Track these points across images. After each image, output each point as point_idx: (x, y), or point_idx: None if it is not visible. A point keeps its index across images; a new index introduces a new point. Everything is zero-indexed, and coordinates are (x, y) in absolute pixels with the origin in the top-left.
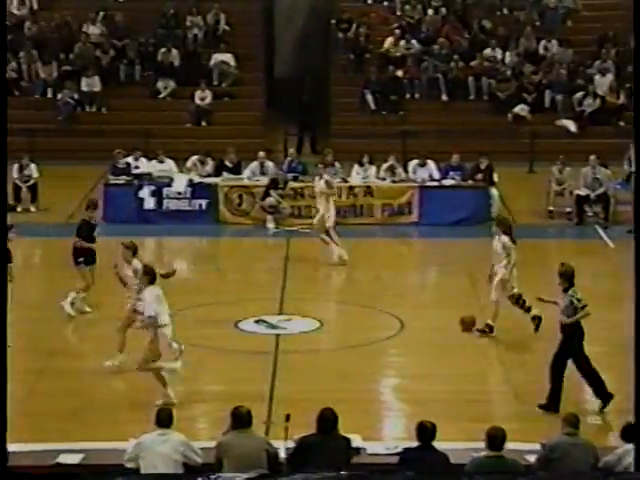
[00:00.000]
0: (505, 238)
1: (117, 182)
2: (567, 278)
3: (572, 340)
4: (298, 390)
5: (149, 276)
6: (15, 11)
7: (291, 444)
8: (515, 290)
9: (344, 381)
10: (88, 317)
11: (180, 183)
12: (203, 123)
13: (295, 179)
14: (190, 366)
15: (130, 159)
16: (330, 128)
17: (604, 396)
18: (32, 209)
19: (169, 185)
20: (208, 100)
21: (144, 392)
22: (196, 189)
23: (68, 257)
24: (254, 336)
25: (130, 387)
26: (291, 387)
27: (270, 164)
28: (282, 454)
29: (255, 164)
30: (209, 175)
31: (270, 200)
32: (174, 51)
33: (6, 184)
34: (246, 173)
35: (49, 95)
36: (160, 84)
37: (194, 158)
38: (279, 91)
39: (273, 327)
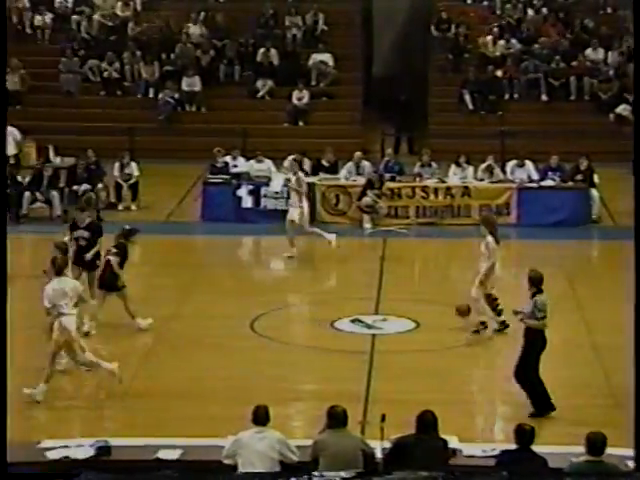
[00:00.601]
0: (489, 238)
1: (215, 181)
2: (534, 284)
3: (533, 346)
4: (394, 390)
5: (54, 268)
6: (119, 12)
7: (387, 444)
8: (493, 291)
9: (440, 382)
10: None
11: (277, 182)
12: (300, 123)
13: (392, 179)
14: (287, 365)
15: (228, 158)
16: (428, 128)
17: (541, 408)
18: (132, 207)
19: (267, 184)
20: (306, 100)
21: (242, 390)
22: None
23: (167, 255)
24: (350, 336)
25: (227, 385)
26: (387, 387)
27: (367, 164)
28: (378, 454)
29: (352, 164)
30: (306, 174)
31: (367, 200)
32: (273, 51)
33: (6, 184)
34: (343, 173)
35: (150, 95)
36: (259, 84)
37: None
38: (377, 91)
39: (369, 327)
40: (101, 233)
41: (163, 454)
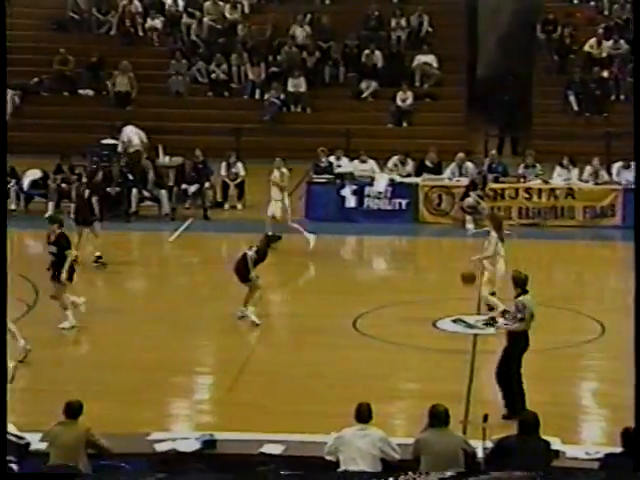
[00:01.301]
0: (494, 234)
1: (320, 181)
2: (518, 285)
3: (514, 347)
4: (496, 391)
5: None
6: (227, 15)
7: (489, 444)
8: (495, 289)
9: (542, 383)
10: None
11: (381, 183)
12: (404, 124)
13: (495, 180)
14: (389, 363)
15: (332, 158)
16: (532, 129)
17: (513, 410)
18: (238, 206)
19: (370, 184)
20: (409, 101)
21: (344, 387)
22: (396, 189)
23: (272, 253)
24: (452, 335)
25: (330, 382)
26: (488, 387)
27: (470, 165)
28: (479, 454)
29: (455, 165)
30: (409, 175)
31: (469, 200)
32: (377, 53)
33: (6, 184)
34: (446, 173)
35: (256, 96)
36: (363, 85)
37: (395, 158)
38: (481, 92)
39: (471, 327)
40: (69, 246)
41: (267, 449)
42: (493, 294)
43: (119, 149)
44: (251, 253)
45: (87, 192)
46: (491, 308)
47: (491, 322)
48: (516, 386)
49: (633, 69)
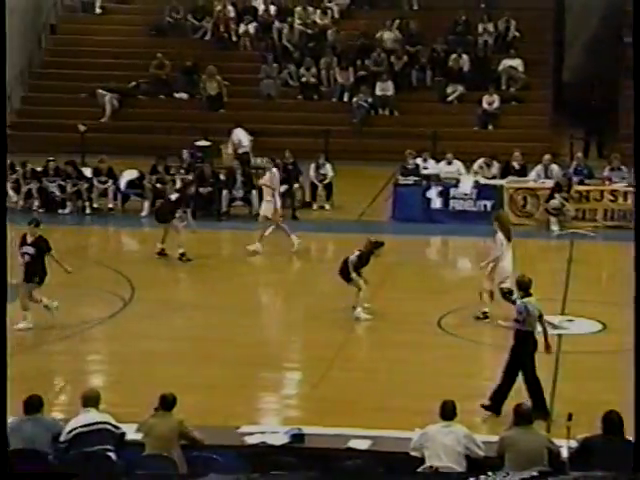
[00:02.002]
0: (500, 234)
1: (406, 182)
2: (521, 288)
3: (522, 348)
4: (580, 390)
5: None
6: (318, 21)
7: (573, 443)
8: (503, 285)
9: (626, 384)
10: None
11: (466, 184)
12: (490, 127)
13: (581, 182)
14: (473, 362)
15: (419, 160)
16: (618, 132)
17: (540, 411)
18: (326, 207)
19: (456, 186)
20: (496, 104)
21: (430, 385)
22: (482, 190)
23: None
24: (536, 336)
25: (416, 379)
26: (573, 387)
27: (555, 167)
28: (564, 453)
29: (540, 167)
30: (494, 177)
31: (555, 202)
32: (464, 57)
33: (6, 184)
34: (532, 175)
35: (345, 99)
36: (449, 89)
37: (480, 160)
38: (567, 95)
39: (555, 327)
40: (48, 249)
41: (353, 444)
42: (501, 290)
43: (229, 150)
44: (353, 258)
45: (169, 191)
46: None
47: (481, 316)
48: (533, 385)
49: (633, 69)
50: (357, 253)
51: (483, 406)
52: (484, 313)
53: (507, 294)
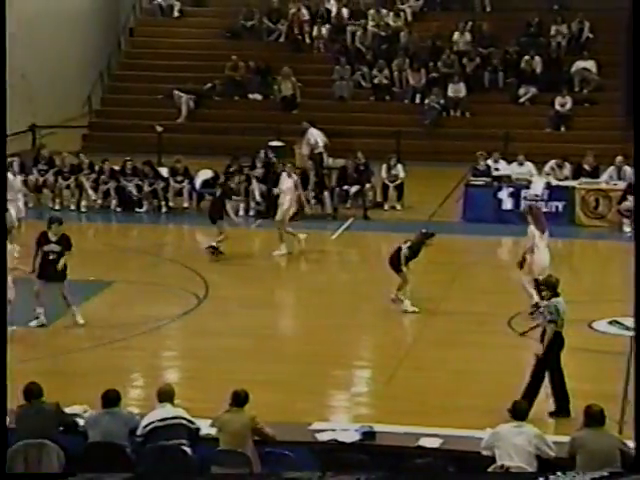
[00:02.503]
0: (532, 227)
1: (477, 183)
2: (549, 288)
3: (548, 348)
4: None
5: None
6: (391, 23)
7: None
8: (541, 276)
9: None
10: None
11: (538, 186)
12: (562, 128)
13: None
14: None
15: (490, 161)
16: None
17: (561, 409)
18: (397, 207)
19: (527, 187)
20: (568, 106)
21: (500, 385)
22: (553, 192)
23: (429, 253)
24: (607, 337)
25: (486, 379)
26: None
27: (628, 169)
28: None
29: (613, 168)
30: (566, 178)
31: (627, 204)
32: (537, 58)
33: (6, 184)
34: (604, 177)
35: (417, 100)
36: (521, 90)
37: (552, 162)
38: None
39: (627, 329)
40: (70, 246)
41: (424, 442)
42: (536, 280)
43: (304, 151)
44: (405, 249)
45: (220, 192)
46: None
47: (534, 310)
48: (557, 384)
49: (633, 69)
50: (408, 244)
51: (551, 414)
52: (534, 305)
53: (540, 285)
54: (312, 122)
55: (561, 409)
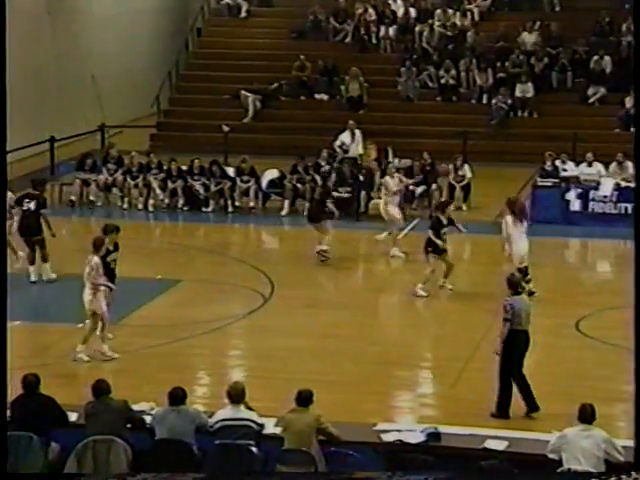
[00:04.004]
0: (509, 217)
1: (545, 184)
2: (510, 286)
3: (509, 347)
4: None
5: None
6: (457, 22)
7: None
8: (522, 265)
9: None
10: None
11: (607, 187)
12: (632, 128)
13: None
14: (611, 365)
15: (558, 162)
16: None
17: (532, 408)
18: (463, 208)
19: (596, 188)
20: None
21: (567, 387)
22: (622, 193)
23: (495, 254)
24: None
25: (553, 382)
26: None
27: None
28: None
29: None
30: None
31: None
32: (607, 58)
33: (6, 184)
34: None
35: (484, 101)
36: (590, 90)
37: (614, 163)
38: None
39: None
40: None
41: (489, 444)
42: (520, 270)
43: (346, 152)
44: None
45: (320, 193)
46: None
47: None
48: (520, 384)
49: (633, 69)
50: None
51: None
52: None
53: (524, 275)
54: (355, 123)
55: (532, 407)
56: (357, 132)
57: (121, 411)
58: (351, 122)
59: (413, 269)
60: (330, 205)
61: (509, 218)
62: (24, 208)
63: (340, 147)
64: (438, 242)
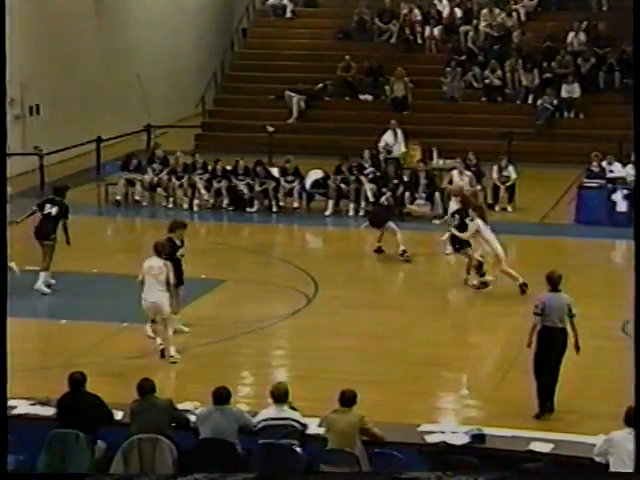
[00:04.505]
0: (479, 221)
1: (591, 185)
2: (549, 283)
3: (541, 343)
4: None
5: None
6: (504, 22)
7: None
8: (477, 255)
9: None
10: None
11: None
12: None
13: None
14: None
15: (604, 163)
16: None
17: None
18: (509, 209)
19: None
20: None
21: (614, 390)
22: None
23: (541, 255)
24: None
25: (598, 385)
26: None
27: None
28: None
29: None
30: None
31: None
32: None
33: (6, 184)
34: None
35: (529, 101)
36: None
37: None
38: None
39: None
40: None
41: (535, 446)
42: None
43: (389, 153)
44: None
45: (387, 199)
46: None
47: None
48: (547, 383)
49: (633, 69)
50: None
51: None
52: (523, 285)
53: (477, 266)
54: (397, 123)
55: (545, 409)
56: (399, 132)
57: (166, 410)
58: (393, 122)
59: (459, 270)
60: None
61: (479, 222)
62: (45, 212)
63: (384, 148)
64: (461, 235)
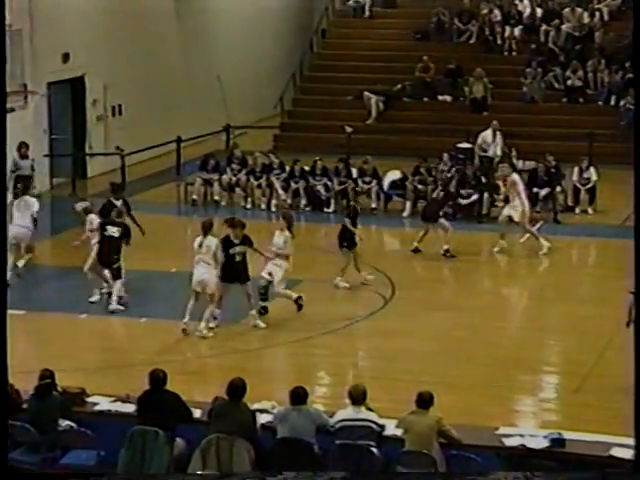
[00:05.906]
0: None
1: None
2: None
3: None
4: None
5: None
6: (586, 22)
7: None
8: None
9: None
10: None
11: None
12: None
13: None
14: None
15: None
16: None
17: None
18: (589, 211)
19: None
20: None
21: None
22: None
23: (622, 258)
24: None
25: None
26: None
27: None
28: None
29: None
30: None
31: None
32: None
33: (6, 184)
34: None
35: (612, 102)
36: None
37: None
38: None
39: None
40: (252, 244)
41: (616, 452)
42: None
43: (484, 152)
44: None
45: (437, 192)
46: None
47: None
48: None
49: (633, 69)
50: None
51: None
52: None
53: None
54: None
55: None
56: (498, 134)
57: (249, 412)
58: (495, 122)
59: (538, 273)
60: (447, 208)
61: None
62: (106, 234)
63: (480, 145)
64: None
